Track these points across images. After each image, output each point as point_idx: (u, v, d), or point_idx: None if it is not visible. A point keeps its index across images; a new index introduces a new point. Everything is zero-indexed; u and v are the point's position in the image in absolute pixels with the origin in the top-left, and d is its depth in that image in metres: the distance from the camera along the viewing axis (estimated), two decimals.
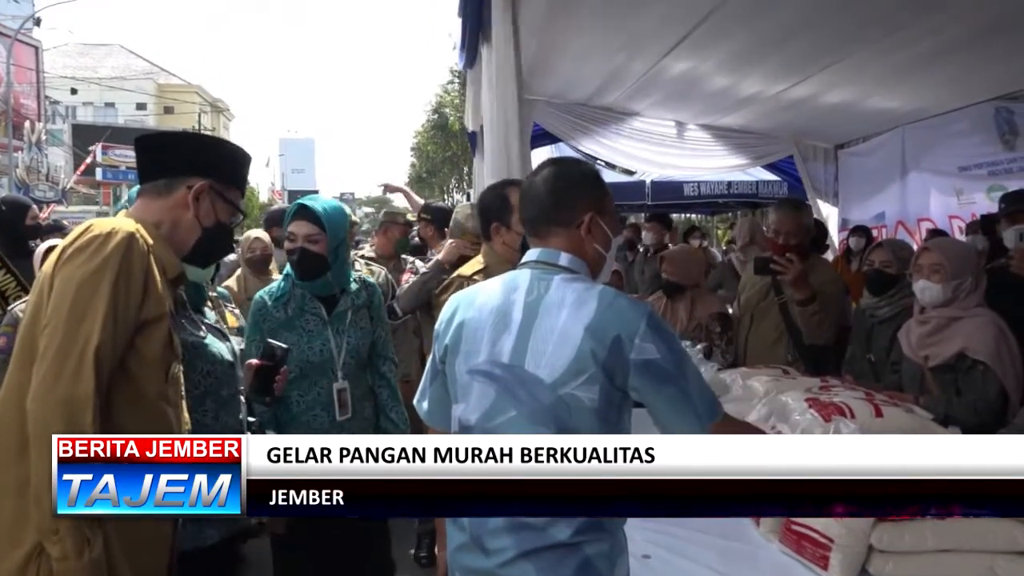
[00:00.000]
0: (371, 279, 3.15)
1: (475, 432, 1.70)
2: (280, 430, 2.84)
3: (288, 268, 2.95)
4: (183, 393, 1.92)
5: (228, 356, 2.38)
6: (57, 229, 5.78)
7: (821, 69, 4.84)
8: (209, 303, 2.57)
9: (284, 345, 2.58)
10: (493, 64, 3.47)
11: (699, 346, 3.61)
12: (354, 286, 2.97)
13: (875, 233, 6.76)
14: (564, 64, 5.14)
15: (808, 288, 3.49)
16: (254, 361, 2.58)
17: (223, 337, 2.43)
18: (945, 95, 5.49)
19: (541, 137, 6.12)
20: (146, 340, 1.75)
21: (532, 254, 1.80)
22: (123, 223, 1.77)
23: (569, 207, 1.78)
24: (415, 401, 1.96)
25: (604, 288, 1.71)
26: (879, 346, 3.30)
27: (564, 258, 1.76)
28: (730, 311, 4.12)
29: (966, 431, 2.34)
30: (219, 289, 4.00)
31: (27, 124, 26.82)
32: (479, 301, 1.78)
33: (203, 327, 2.36)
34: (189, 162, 1.95)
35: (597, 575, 1.62)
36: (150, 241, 1.78)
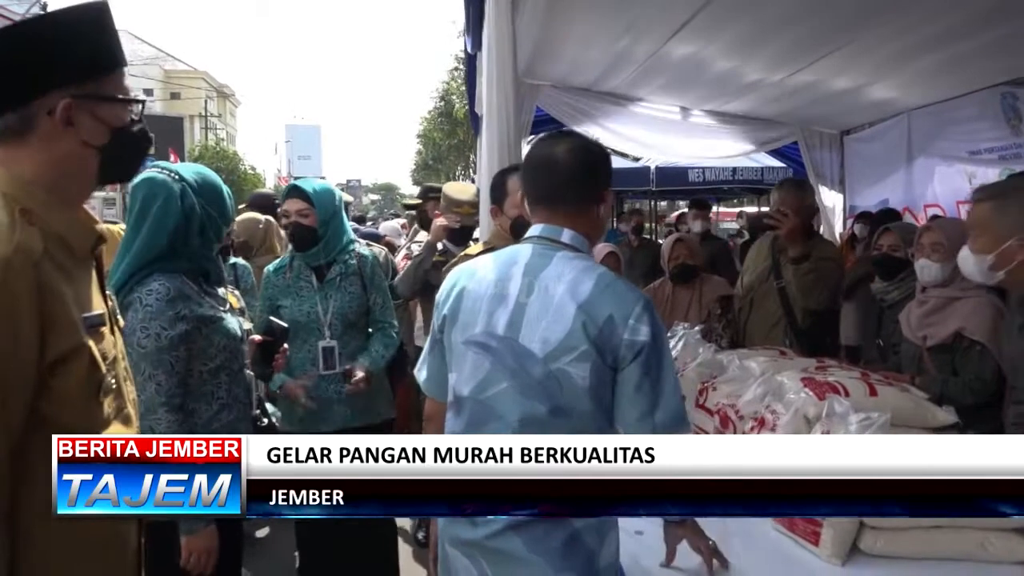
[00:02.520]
0: (366, 251, 3.44)
1: (468, 402, 1.72)
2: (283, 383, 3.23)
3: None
4: (127, 398, 1.57)
5: (238, 331, 2.50)
6: None
7: (825, 55, 4.80)
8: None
9: (284, 324, 2.71)
10: (492, 47, 3.47)
11: (697, 327, 3.60)
12: (346, 256, 3.31)
13: None
14: (567, 49, 5.11)
15: (803, 244, 3.61)
16: (257, 337, 2.72)
17: (232, 313, 2.55)
18: (950, 81, 5.44)
19: (546, 122, 6.10)
20: (63, 378, 1.38)
21: (535, 229, 1.81)
22: None
23: (592, 183, 1.79)
24: (415, 370, 1.98)
25: (604, 270, 1.73)
26: (888, 330, 3.32)
27: (567, 235, 1.76)
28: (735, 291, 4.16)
29: (961, 410, 2.35)
30: (237, 261, 4.10)
31: None
32: (479, 273, 1.80)
33: (221, 303, 2.47)
34: (31, 76, 1.38)
35: (585, 548, 1.64)
36: (37, 247, 1.34)
